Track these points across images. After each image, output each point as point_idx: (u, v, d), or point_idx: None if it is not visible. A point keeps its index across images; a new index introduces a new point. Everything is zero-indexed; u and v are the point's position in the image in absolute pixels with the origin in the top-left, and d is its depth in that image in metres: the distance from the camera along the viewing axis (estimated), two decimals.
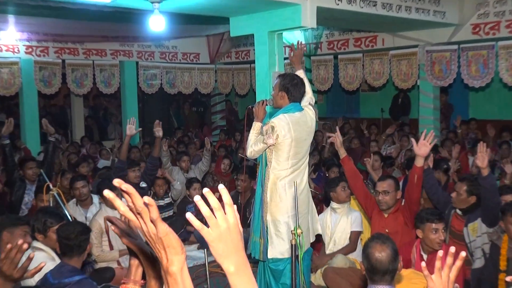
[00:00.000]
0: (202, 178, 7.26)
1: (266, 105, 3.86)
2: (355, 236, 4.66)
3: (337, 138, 4.41)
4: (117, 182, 1.05)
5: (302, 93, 3.78)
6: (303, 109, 3.76)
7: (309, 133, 3.80)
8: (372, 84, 8.95)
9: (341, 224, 4.69)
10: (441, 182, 5.53)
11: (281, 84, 3.70)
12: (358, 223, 4.68)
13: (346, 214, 4.71)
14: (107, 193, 1.07)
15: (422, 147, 3.95)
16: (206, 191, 1.03)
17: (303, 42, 6.65)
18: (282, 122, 3.59)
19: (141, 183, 5.87)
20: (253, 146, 3.70)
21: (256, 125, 3.80)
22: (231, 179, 7.31)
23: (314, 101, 4.07)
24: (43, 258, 3.37)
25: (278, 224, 3.69)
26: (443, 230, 3.57)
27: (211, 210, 1.04)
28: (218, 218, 1.03)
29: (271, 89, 4.07)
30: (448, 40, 7.91)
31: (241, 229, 1.07)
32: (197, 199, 1.01)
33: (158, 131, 5.71)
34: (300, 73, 4.09)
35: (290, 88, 3.68)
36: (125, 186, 1.03)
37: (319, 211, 4.85)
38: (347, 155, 4.51)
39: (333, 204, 4.77)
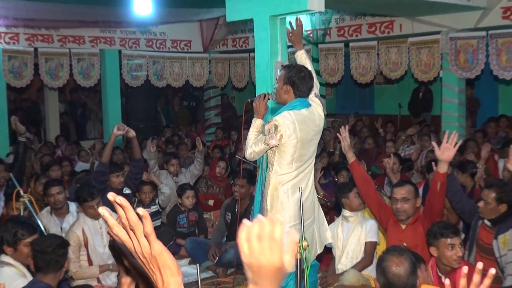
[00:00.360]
0: (194, 183, 7.26)
1: (268, 99, 3.84)
2: (370, 247, 4.64)
3: (344, 140, 4.40)
4: (111, 195, 1.08)
5: (310, 88, 3.77)
6: (310, 105, 3.75)
7: (316, 132, 3.80)
8: (388, 76, 8.95)
9: (354, 234, 4.68)
10: (467, 188, 5.53)
11: (286, 76, 3.69)
12: (373, 232, 4.67)
13: (360, 223, 4.70)
14: (102, 210, 1.11)
15: (446, 151, 3.91)
16: (277, 217, 1.06)
17: (306, 25, 6.62)
18: (287, 121, 3.58)
19: (125, 189, 5.88)
20: (253, 147, 3.68)
21: (256, 123, 3.78)
22: (227, 185, 7.31)
23: (318, 88, 4.05)
24: (12, 274, 3.38)
25: None
26: (460, 245, 3.50)
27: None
28: (263, 248, 1.04)
29: (273, 82, 4.08)
30: (475, 25, 7.91)
31: (287, 270, 1.06)
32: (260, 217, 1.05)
33: (130, 132, 5.57)
34: (301, 53, 4.13)
35: (297, 82, 3.67)
36: (120, 199, 1.07)
37: (329, 221, 4.85)
38: (357, 159, 4.50)
39: (345, 212, 4.77)
